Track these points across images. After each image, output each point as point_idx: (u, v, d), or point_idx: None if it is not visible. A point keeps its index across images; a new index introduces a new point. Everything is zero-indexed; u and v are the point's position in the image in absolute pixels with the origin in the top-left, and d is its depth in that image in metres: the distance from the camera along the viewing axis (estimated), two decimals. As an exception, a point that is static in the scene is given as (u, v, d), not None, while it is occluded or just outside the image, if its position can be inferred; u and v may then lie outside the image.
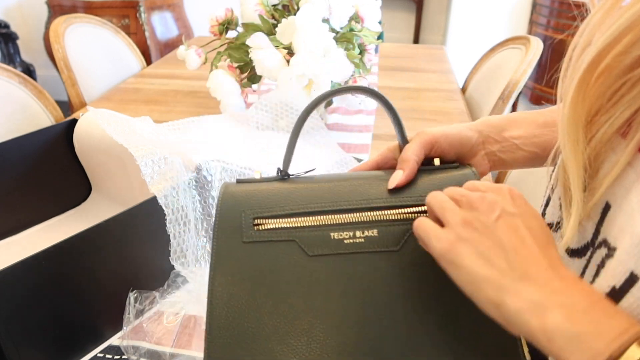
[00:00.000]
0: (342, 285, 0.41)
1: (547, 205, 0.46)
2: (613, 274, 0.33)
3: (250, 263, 0.43)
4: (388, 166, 0.51)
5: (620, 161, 0.35)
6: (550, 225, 0.45)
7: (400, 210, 0.44)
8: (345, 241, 0.43)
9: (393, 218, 0.44)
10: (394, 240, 0.43)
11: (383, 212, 0.44)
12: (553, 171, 0.45)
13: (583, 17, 0.37)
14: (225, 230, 0.44)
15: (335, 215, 0.44)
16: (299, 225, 0.44)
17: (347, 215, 0.44)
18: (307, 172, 0.49)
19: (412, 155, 0.46)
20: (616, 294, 0.33)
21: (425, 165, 0.48)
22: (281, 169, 0.48)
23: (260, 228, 0.44)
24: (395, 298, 0.41)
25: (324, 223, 0.44)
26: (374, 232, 0.43)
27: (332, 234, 0.43)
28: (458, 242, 0.35)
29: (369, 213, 0.44)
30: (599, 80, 0.34)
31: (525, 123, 0.53)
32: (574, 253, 0.40)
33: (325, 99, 0.49)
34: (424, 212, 0.43)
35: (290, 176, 0.48)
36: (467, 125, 0.51)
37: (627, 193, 0.34)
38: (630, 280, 0.32)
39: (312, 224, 0.44)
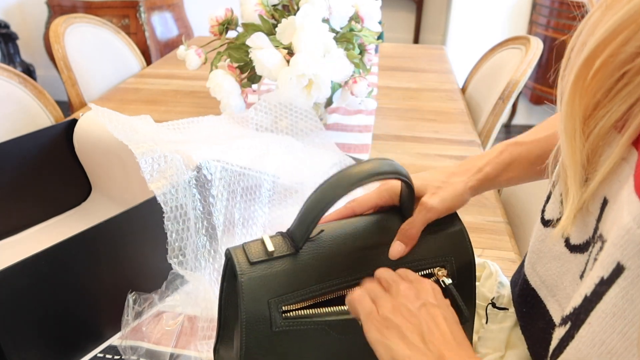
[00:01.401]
0: (368, 351, 0.42)
1: (547, 201, 0.47)
2: (602, 265, 0.34)
3: (280, 348, 0.44)
4: (387, 206, 0.53)
5: (614, 154, 0.35)
6: (549, 221, 0.45)
7: None
8: None
9: None
10: None
11: None
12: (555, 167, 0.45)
13: (583, 17, 0.37)
14: (254, 324, 0.43)
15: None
16: (327, 311, 0.45)
17: None
18: (318, 234, 0.47)
19: (416, 234, 0.50)
20: (604, 285, 0.33)
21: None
22: (291, 235, 0.46)
23: (289, 315, 0.44)
24: None
25: (344, 296, 0.45)
26: None
27: None
28: (386, 327, 0.40)
29: None
30: (595, 77, 0.35)
31: (518, 165, 0.54)
32: (575, 249, 0.41)
33: (351, 188, 0.45)
34: (426, 275, 0.49)
35: (302, 248, 0.46)
36: (463, 189, 0.52)
37: (620, 187, 0.35)
38: (617, 271, 0.32)
39: (338, 309, 0.45)
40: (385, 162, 0.46)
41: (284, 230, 0.47)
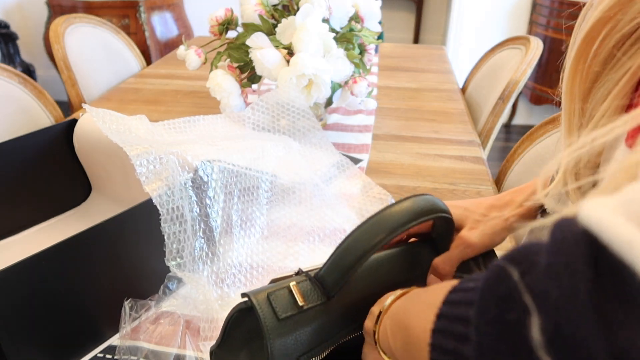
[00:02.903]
0: None
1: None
2: None
3: None
4: (419, 234, 0.51)
5: (612, 125, 0.35)
6: (549, 212, 0.45)
7: None
8: None
9: None
10: None
11: None
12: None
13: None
14: None
15: None
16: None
17: None
18: (343, 285, 0.42)
19: (450, 270, 0.47)
20: None
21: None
22: (321, 281, 0.42)
23: None
24: None
25: None
26: None
27: None
28: None
29: None
30: (596, 56, 0.35)
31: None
32: None
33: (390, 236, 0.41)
34: None
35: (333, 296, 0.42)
36: (503, 227, 0.49)
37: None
38: None
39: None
40: (425, 198, 0.43)
41: (282, 230, 0.46)
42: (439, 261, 0.47)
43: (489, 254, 0.49)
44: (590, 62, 0.35)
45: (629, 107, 0.35)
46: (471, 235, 0.48)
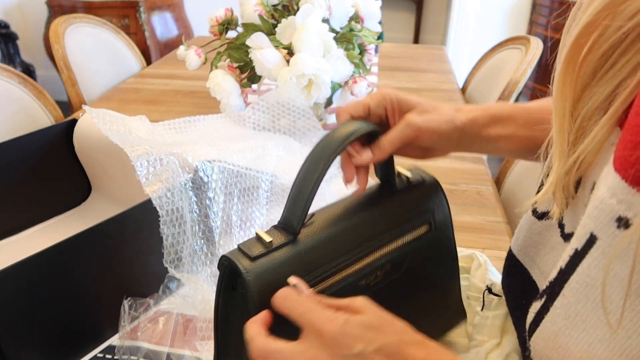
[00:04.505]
0: None
1: (538, 192, 0.47)
2: (577, 237, 0.34)
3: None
4: (373, 118, 0.53)
5: (599, 133, 0.35)
6: (545, 213, 0.46)
7: (399, 241, 0.49)
8: (370, 283, 0.48)
9: (397, 249, 0.49)
10: (399, 267, 0.49)
11: (389, 247, 0.49)
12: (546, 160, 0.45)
13: None
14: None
15: (356, 265, 0.47)
16: (332, 282, 0.45)
17: (365, 260, 0.47)
18: (310, 219, 0.47)
19: (388, 147, 0.49)
20: (577, 256, 0.34)
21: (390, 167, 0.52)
22: (285, 224, 0.45)
23: None
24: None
25: (350, 273, 0.46)
26: (388, 267, 0.49)
27: (360, 282, 0.47)
28: None
29: (380, 251, 0.48)
30: (585, 59, 0.35)
31: (512, 123, 0.53)
32: (568, 237, 0.41)
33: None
34: (422, 234, 0.50)
35: (299, 233, 0.45)
36: (451, 118, 0.52)
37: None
38: (590, 242, 0.33)
39: (342, 277, 0.46)
40: (359, 122, 0.48)
41: None
42: (381, 140, 0.49)
43: (422, 175, 0.53)
44: (580, 67, 0.35)
45: (608, 102, 0.35)
46: (415, 116, 0.50)
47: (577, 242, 0.34)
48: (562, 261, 0.36)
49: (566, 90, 0.37)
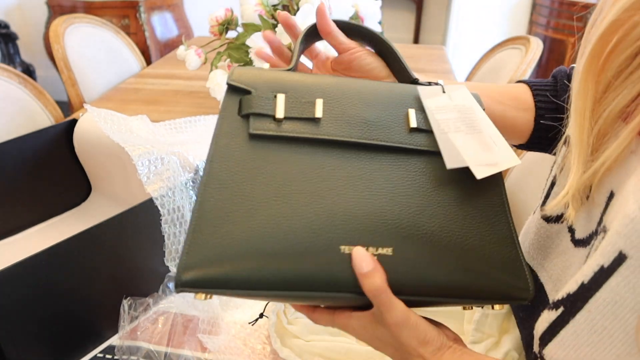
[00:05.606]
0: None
1: (547, 197, 0.47)
2: (602, 253, 0.34)
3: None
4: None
5: (619, 142, 0.34)
6: (551, 218, 0.45)
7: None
8: None
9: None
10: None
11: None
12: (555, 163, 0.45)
13: (582, 17, 0.37)
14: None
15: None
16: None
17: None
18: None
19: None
20: (604, 274, 0.33)
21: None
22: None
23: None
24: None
25: None
26: None
27: None
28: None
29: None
30: (609, 57, 0.34)
31: (485, 96, 0.52)
32: (579, 243, 0.41)
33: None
34: None
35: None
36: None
37: (627, 179, 0.34)
38: (619, 260, 0.32)
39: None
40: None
41: None
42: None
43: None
44: (603, 64, 0.35)
45: (630, 110, 0.34)
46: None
47: (602, 259, 0.33)
48: (584, 276, 0.35)
49: (588, 87, 0.36)
